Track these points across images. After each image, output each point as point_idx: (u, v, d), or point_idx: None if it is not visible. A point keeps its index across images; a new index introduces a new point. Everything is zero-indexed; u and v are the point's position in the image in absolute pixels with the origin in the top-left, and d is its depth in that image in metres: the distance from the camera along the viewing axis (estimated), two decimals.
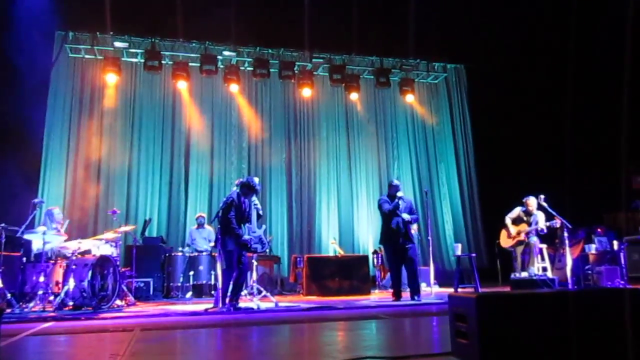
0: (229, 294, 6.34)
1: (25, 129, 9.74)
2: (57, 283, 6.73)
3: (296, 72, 12.55)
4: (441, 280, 10.81)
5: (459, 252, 8.64)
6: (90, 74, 11.73)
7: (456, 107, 13.98)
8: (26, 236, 7.05)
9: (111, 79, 11.37)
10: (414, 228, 10.24)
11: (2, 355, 3.40)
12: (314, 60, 12.77)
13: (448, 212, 13.33)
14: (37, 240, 7.06)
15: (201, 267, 9.27)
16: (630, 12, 7.73)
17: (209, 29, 11.44)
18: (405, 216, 7.53)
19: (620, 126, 7.99)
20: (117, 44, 11.51)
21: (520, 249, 8.63)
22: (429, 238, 8.40)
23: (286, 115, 12.87)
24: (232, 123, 12.45)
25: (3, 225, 6.50)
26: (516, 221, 8.72)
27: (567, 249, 7.88)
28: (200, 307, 6.78)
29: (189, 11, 10.13)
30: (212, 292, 8.77)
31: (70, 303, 6.59)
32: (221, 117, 12.42)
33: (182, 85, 11.85)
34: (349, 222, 12.70)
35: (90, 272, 6.57)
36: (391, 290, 7.77)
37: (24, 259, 7.04)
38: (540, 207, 8.32)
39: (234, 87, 12.11)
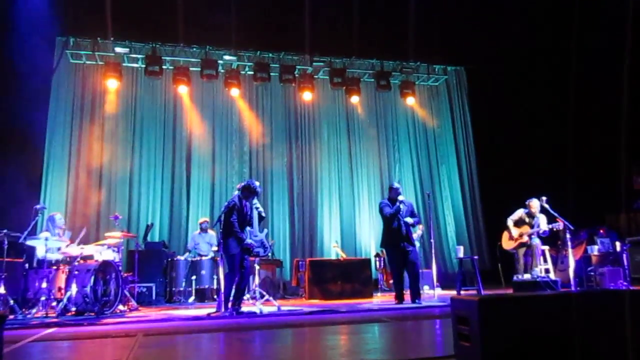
0: (231, 298, 6.34)
1: (27, 135, 9.78)
2: (59, 289, 6.73)
3: (297, 75, 12.56)
4: (443, 283, 10.79)
5: (461, 255, 8.62)
6: (91, 79, 11.76)
7: (457, 110, 13.99)
8: (29, 242, 7.05)
9: (112, 84, 11.39)
10: (420, 229, 10.27)
11: None
12: (314, 63, 12.78)
13: (450, 215, 13.33)
14: (40, 246, 7.07)
15: (203, 272, 9.27)
16: (630, 12, 7.74)
17: (209, 34, 11.49)
18: (408, 220, 7.53)
19: (621, 127, 7.99)
20: (118, 50, 11.54)
21: (522, 251, 8.62)
22: (431, 240, 8.39)
23: (287, 119, 12.88)
24: (233, 127, 12.47)
25: (5, 231, 6.51)
26: (518, 223, 8.71)
27: (570, 250, 7.86)
28: (202, 311, 6.78)
29: (190, 16, 10.17)
30: (215, 296, 8.78)
31: (73, 309, 6.59)
32: (222, 121, 12.43)
33: (183, 90, 11.87)
34: (351, 225, 12.70)
35: (92, 278, 6.56)
36: (394, 293, 7.76)
37: (27, 265, 7.04)
38: (542, 209, 8.31)
39: (234, 92, 12.12)
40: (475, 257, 9.40)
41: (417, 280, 7.49)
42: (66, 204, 10.87)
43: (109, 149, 11.43)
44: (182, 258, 9.53)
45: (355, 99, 12.94)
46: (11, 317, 6.23)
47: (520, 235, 8.60)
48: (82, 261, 7.02)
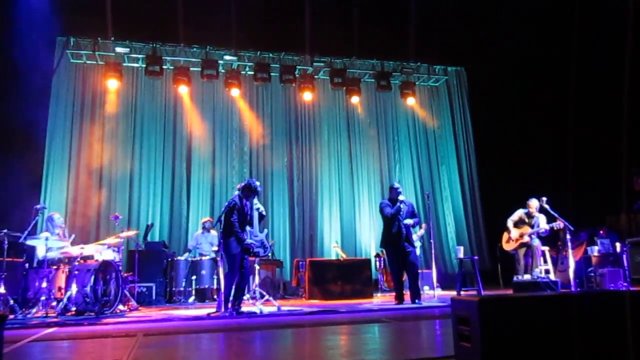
0: (231, 298, 6.34)
1: (28, 135, 9.79)
2: (59, 289, 6.74)
3: (297, 76, 12.56)
4: (443, 283, 10.79)
5: (461, 255, 8.62)
6: (91, 79, 11.76)
7: (457, 110, 13.98)
8: (29, 242, 7.05)
9: (112, 84, 11.39)
10: (422, 229, 10.28)
11: None
12: (314, 64, 12.78)
13: (450, 215, 13.33)
14: (40, 246, 7.07)
15: (204, 272, 9.26)
16: (630, 13, 7.74)
17: (209, 34, 11.49)
18: (408, 221, 7.52)
19: (621, 127, 7.99)
20: (118, 50, 11.54)
21: (522, 252, 8.62)
22: (431, 241, 8.40)
23: (287, 119, 12.88)
24: (234, 127, 12.46)
25: (6, 231, 6.51)
26: (518, 223, 8.71)
27: (570, 251, 7.86)
28: (202, 311, 6.78)
29: (190, 16, 10.17)
30: (215, 296, 8.78)
31: (73, 308, 6.59)
32: (222, 121, 12.43)
33: (183, 90, 11.87)
34: (351, 225, 12.69)
35: (92, 278, 6.57)
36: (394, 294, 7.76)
37: (27, 264, 7.05)
38: (542, 210, 8.30)
39: (235, 92, 12.12)
40: (476, 257, 9.40)
41: (417, 281, 7.49)
42: (66, 203, 10.87)
43: (109, 149, 11.42)
44: (182, 258, 9.53)
45: (355, 99, 12.94)
46: (11, 316, 6.23)
47: (521, 236, 8.60)
48: (82, 261, 7.02)
